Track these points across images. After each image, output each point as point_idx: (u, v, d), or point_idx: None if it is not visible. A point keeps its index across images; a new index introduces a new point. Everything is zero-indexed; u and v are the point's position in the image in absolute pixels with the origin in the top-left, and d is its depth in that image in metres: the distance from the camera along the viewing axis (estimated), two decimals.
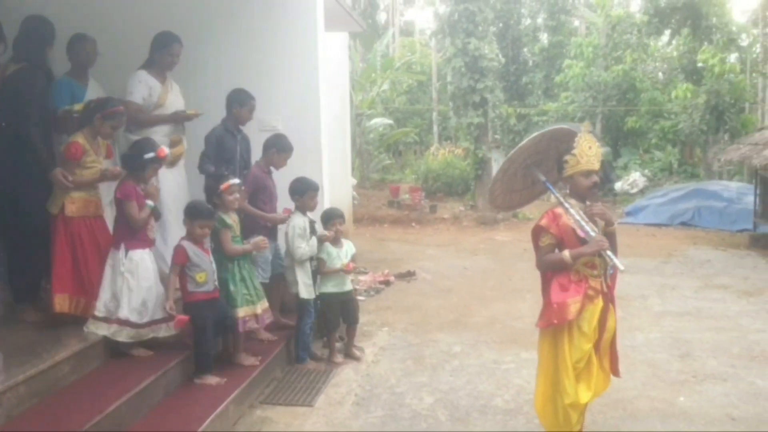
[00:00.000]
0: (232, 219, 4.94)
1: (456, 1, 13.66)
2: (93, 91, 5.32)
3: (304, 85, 6.39)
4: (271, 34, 6.39)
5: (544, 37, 21.97)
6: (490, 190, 4.44)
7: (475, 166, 14.79)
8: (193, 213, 4.57)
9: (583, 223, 3.84)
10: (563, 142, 4.10)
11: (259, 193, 5.56)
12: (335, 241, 5.59)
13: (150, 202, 4.51)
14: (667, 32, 17.86)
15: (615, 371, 4.14)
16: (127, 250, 4.40)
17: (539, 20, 22.19)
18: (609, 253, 3.77)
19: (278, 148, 5.63)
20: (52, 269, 4.33)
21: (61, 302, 4.26)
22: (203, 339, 4.53)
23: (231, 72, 6.31)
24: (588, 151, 3.86)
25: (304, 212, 5.49)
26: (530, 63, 22.02)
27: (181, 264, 4.48)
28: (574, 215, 3.86)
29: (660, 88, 17.42)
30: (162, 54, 5.38)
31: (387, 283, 8.62)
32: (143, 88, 5.29)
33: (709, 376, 5.39)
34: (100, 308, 4.32)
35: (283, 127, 6.25)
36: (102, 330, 4.28)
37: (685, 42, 16.57)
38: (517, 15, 22.03)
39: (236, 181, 4.98)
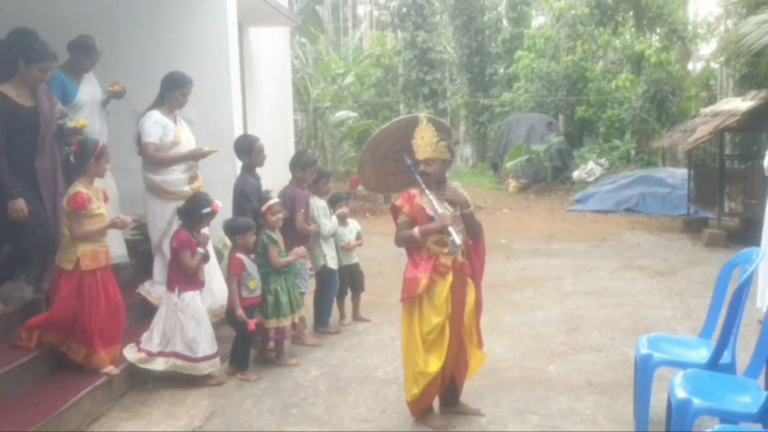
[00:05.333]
0: (277, 236, 5.36)
1: None
2: (87, 89, 5.68)
3: (216, 78, 6.71)
4: (184, 29, 6.75)
5: (507, 29, 22.30)
6: (359, 171, 4.77)
7: None
8: (239, 228, 5.12)
9: (435, 203, 4.17)
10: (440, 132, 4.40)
11: (303, 208, 5.86)
12: (342, 221, 6.27)
13: (201, 250, 4.91)
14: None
15: (478, 344, 4.48)
16: (180, 292, 4.83)
17: (501, 10, 22.52)
18: (450, 229, 4.08)
19: (302, 166, 5.99)
20: (51, 318, 4.47)
21: (34, 340, 4.47)
22: (246, 340, 5.19)
23: (145, 66, 6.60)
24: (420, 141, 4.18)
25: (320, 196, 6.21)
26: (494, 54, 22.35)
27: (239, 274, 5.01)
28: (427, 195, 4.20)
29: (610, 78, 17.76)
30: (174, 94, 5.59)
31: None
32: (158, 128, 5.52)
33: (586, 347, 5.74)
34: (153, 345, 4.79)
35: (198, 119, 6.54)
36: (159, 366, 4.79)
37: (630, 33, 16.93)
38: (480, 7, 22.36)
39: (276, 200, 5.42)
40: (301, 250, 5.57)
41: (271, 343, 5.48)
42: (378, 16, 33.99)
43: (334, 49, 24.12)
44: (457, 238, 4.07)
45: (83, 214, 4.42)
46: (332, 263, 6.19)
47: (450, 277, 4.17)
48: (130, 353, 4.84)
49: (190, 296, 4.93)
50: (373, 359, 5.52)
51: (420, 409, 4.29)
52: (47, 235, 4.76)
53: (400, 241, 4.30)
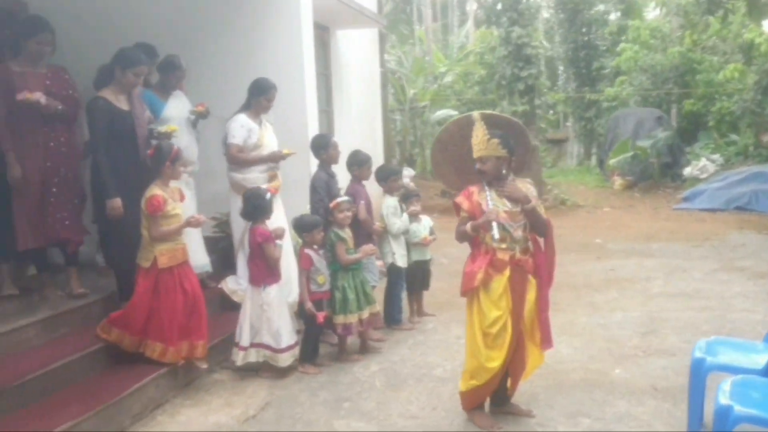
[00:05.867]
0: (346, 233, 5.53)
1: None
2: (174, 105, 6.01)
3: (291, 82, 6.90)
4: (260, 37, 7.00)
5: (615, 21, 21.50)
6: (437, 174, 4.86)
7: None
8: (306, 225, 5.33)
9: (489, 199, 4.15)
10: (501, 128, 4.33)
11: (363, 200, 6.10)
12: (414, 218, 6.37)
13: (279, 242, 5.19)
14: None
15: (543, 344, 4.36)
16: (266, 286, 5.11)
17: (610, 4, 21.73)
18: (494, 224, 4.06)
19: (359, 165, 6.20)
20: (128, 313, 4.70)
21: (112, 336, 4.70)
22: (314, 332, 5.38)
23: (225, 75, 6.95)
24: (474, 139, 4.17)
25: (391, 194, 6.30)
26: (601, 48, 21.61)
27: (308, 269, 5.23)
28: (486, 191, 4.18)
29: (720, 69, 16.70)
30: (259, 99, 5.88)
31: None
32: (243, 131, 5.82)
33: (659, 351, 5.48)
34: (244, 339, 5.10)
35: (275, 120, 6.75)
36: (251, 357, 5.09)
37: (742, 20, 15.83)
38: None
39: (345, 198, 5.59)
40: (369, 247, 5.70)
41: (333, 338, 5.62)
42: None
43: (442, 47, 24.11)
44: (496, 233, 4.03)
45: (160, 216, 4.65)
46: (401, 261, 6.24)
47: (507, 272, 4.11)
48: (238, 357, 5.14)
49: (274, 289, 5.18)
50: (434, 357, 5.52)
51: (472, 402, 4.25)
52: (136, 239, 4.90)
53: (458, 236, 4.34)
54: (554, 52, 23.24)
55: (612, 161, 16.70)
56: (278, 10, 6.94)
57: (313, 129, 7.11)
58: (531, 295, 4.25)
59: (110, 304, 5.21)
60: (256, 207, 5.20)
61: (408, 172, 14.97)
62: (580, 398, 4.59)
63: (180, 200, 4.97)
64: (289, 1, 6.93)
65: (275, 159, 5.99)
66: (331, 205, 5.54)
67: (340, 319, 5.41)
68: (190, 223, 4.87)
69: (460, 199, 4.27)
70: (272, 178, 6.00)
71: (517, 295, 4.17)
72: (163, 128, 5.56)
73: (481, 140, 4.13)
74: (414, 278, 6.48)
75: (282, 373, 5.14)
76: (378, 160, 11.12)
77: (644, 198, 15.74)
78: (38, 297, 5.12)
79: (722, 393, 3.19)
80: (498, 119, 4.46)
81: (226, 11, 7.09)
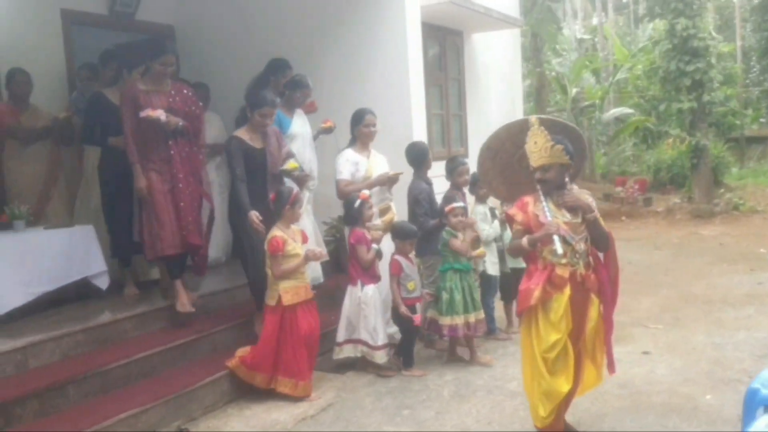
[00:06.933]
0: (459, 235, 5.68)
1: None
2: (298, 123, 6.36)
3: (395, 86, 7.01)
4: (364, 42, 7.17)
5: None
6: (484, 182, 4.63)
7: (690, 155, 13.74)
8: (402, 233, 5.53)
9: (548, 210, 3.93)
10: (557, 133, 4.13)
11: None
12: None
13: (375, 246, 5.47)
14: None
15: (608, 368, 4.10)
16: (363, 285, 5.38)
17: None
18: (556, 237, 3.76)
19: (450, 172, 6.22)
20: (257, 350, 4.92)
21: (251, 377, 4.94)
22: (411, 337, 5.56)
23: (333, 82, 7.25)
24: (533, 146, 3.89)
25: (483, 201, 6.27)
26: None
27: (398, 275, 5.44)
28: (542, 202, 3.97)
29: None
30: (359, 129, 5.89)
31: None
32: (350, 165, 5.85)
33: None
34: (341, 335, 5.46)
35: (380, 126, 6.87)
36: (348, 352, 5.45)
37: None
38: None
39: (459, 204, 5.71)
40: (481, 250, 5.78)
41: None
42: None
43: (631, 41, 22.89)
44: (559, 248, 3.74)
45: (280, 256, 4.92)
46: (492, 269, 6.15)
47: (567, 290, 3.82)
48: (336, 352, 5.44)
49: (371, 289, 5.37)
50: (514, 370, 5.31)
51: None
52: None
53: (512, 250, 4.19)
54: (747, 42, 21.25)
55: None
56: (383, 21, 7.07)
57: (418, 131, 7.14)
58: (593, 314, 3.94)
59: (208, 303, 5.69)
60: (349, 213, 5.48)
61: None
62: (650, 423, 4.25)
63: (303, 242, 5.18)
64: (395, 12, 7.03)
65: (383, 182, 5.94)
66: (447, 209, 5.56)
67: (446, 320, 5.48)
68: (308, 257, 5.06)
69: (513, 211, 4.01)
70: (385, 211, 5.99)
71: (578, 316, 3.88)
72: (286, 166, 5.71)
73: (543, 147, 3.85)
74: (509, 286, 6.28)
75: (379, 369, 5.36)
76: None
77: None
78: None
79: (755, 425, 2.82)
80: (554, 124, 4.16)
81: (334, 18, 7.38)
